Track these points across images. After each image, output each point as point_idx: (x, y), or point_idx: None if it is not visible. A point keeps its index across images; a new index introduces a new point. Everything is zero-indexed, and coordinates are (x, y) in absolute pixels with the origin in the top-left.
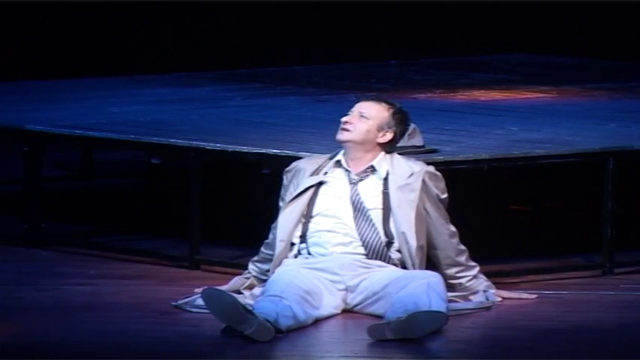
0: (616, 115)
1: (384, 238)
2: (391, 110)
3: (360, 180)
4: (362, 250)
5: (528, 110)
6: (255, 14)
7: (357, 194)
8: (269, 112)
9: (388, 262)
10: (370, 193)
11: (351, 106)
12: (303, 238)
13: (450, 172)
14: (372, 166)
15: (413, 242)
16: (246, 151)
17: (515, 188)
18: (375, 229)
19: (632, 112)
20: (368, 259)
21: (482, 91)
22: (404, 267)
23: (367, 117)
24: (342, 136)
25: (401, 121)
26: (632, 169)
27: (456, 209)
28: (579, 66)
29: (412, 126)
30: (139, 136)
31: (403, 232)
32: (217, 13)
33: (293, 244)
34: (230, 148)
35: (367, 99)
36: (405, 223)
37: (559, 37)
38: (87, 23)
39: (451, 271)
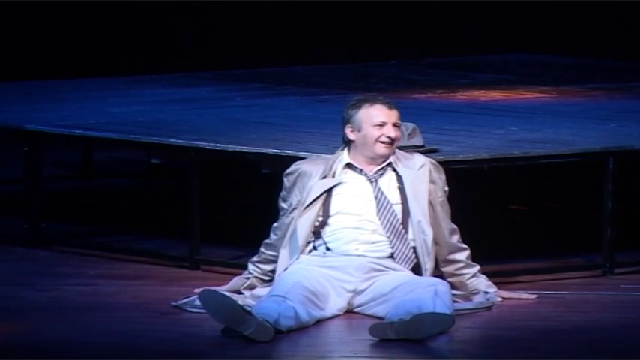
0: (616, 115)
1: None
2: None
3: (379, 177)
4: (387, 247)
5: (528, 110)
6: (255, 14)
7: (381, 192)
8: (269, 112)
9: (411, 264)
10: (389, 188)
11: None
12: (319, 234)
13: (450, 172)
14: (390, 163)
15: (429, 231)
16: (246, 151)
17: (515, 188)
18: (401, 225)
19: (632, 112)
20: (394, 258)
21: (482, 91)
22: (418, 264)
23: (399, 125)
24: (389, 150)
25: None
26: (632, 169)
27: (456, 209)
28: (579, 66)
29: (412, 126)
30: (139, 136)
31: (419, 221)
32: (217, 13)
33: (309, 242)
34: (230, 148)
35: (389, 106)
36: (420, 212)
37: (559, 37)
38: (87, 23)
39: (449, 268)
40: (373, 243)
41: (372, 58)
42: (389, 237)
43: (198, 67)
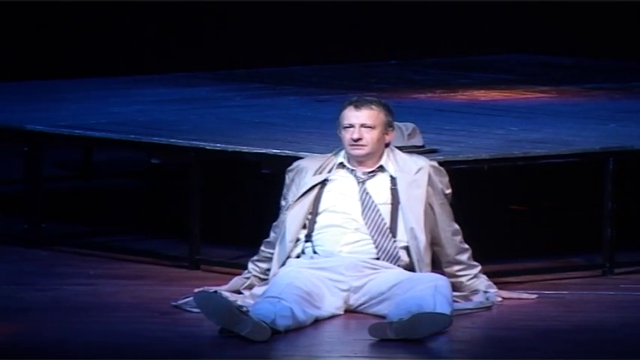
0: (616, 115)
1: (393, 237)
2: (383, 109)
3: (368, 179)
4: (372, 247)
5: (528, 110)
6: (255, 14)
7: (367, 193)
8: (269, 112)
9: (396, 263)
10: (379, 189)
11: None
12: (308, 236)
13: (450, 172)
14: (381, 166)
15: (422, 238)
16: (246, 151)
17: (515, 188)
18: (386, 225)
19: (632, 112)
20: (377, 258)
21: (482, 91)
22: (411, 269)
23: (372, 126)
24: (359, 151)
25: (391, 112)
26: (632, 169)
27: (456, 209)
28: (579, 66)
29: (412, 126)
30: (139, 136)
31: (412, 228)
32: (217, 13)
33: (298, 240)
34: (230, 148)
35: (357, 106)
36: (413, 218)
37: (559, 37)
38: (87, 23)
39: (452, 269)
40: (355, 242)
41: (372, 58)
42: (372, 236)
43: (198, 67)
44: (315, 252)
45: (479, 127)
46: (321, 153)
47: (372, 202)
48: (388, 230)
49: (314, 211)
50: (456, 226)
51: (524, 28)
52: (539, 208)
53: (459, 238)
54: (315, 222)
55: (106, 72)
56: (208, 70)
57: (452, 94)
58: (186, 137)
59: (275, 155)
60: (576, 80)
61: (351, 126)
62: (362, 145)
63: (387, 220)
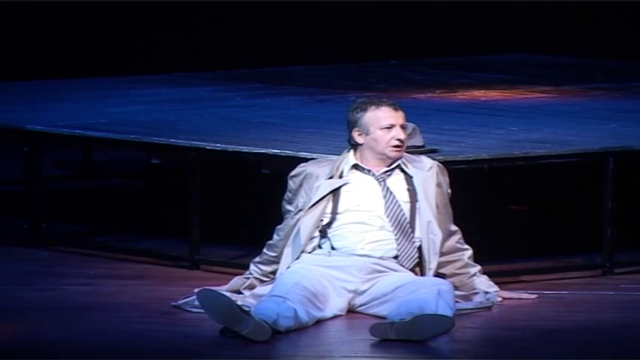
0: (616, 115)
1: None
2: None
3: (387, 177)
4: (393, 246)
5: (528, 110)
6: (255, 14)
7: (389, 191)
8: (269, 112)
9: (413, 262)
10: (398, 188)
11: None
12: (325, 233)
13: (450, 172)
14: (398, 165)
15: (438, 232)
16: (246, 151)
17: (516, 188)
18: (407, 222)
19: (632, 112)
20: (396, 257)
21: (482, 91)
22: (420, 265)
23: (405, 126)
24: (399, 152)
25: None
26: (632, 169)
27: (457, 209)
28: (579, 66)
29: (412, 126)
30: (139, 136)
31: (429, 222)
32: (217, 12)
33: (313, 238)
34: (230, 148)
35: (395, 107)
36: (430, 213)
37: (559, 37)
38: (87, 23)
39: (450, 268)
40: (378, 241)
41: (372, 58)
42: (395, 235)
43: (198, 67)
44: (333, 248)
45: (479, 127)
46: (320, 153)
47: (396, 200)
48: (409, 228)
49: (333, 212)
50: (454, 228)
51: (524, 28)
52: (540, 208)
53: (457, 238)
54: (336, 219)
55: (106, 72)
56: (208, 70)
57: (452, 94)
58: (187, 137)
59: (275, 155)
60: (576, 80)
61: (392, 126)
62: (402, 146)
63: (408, 217)
